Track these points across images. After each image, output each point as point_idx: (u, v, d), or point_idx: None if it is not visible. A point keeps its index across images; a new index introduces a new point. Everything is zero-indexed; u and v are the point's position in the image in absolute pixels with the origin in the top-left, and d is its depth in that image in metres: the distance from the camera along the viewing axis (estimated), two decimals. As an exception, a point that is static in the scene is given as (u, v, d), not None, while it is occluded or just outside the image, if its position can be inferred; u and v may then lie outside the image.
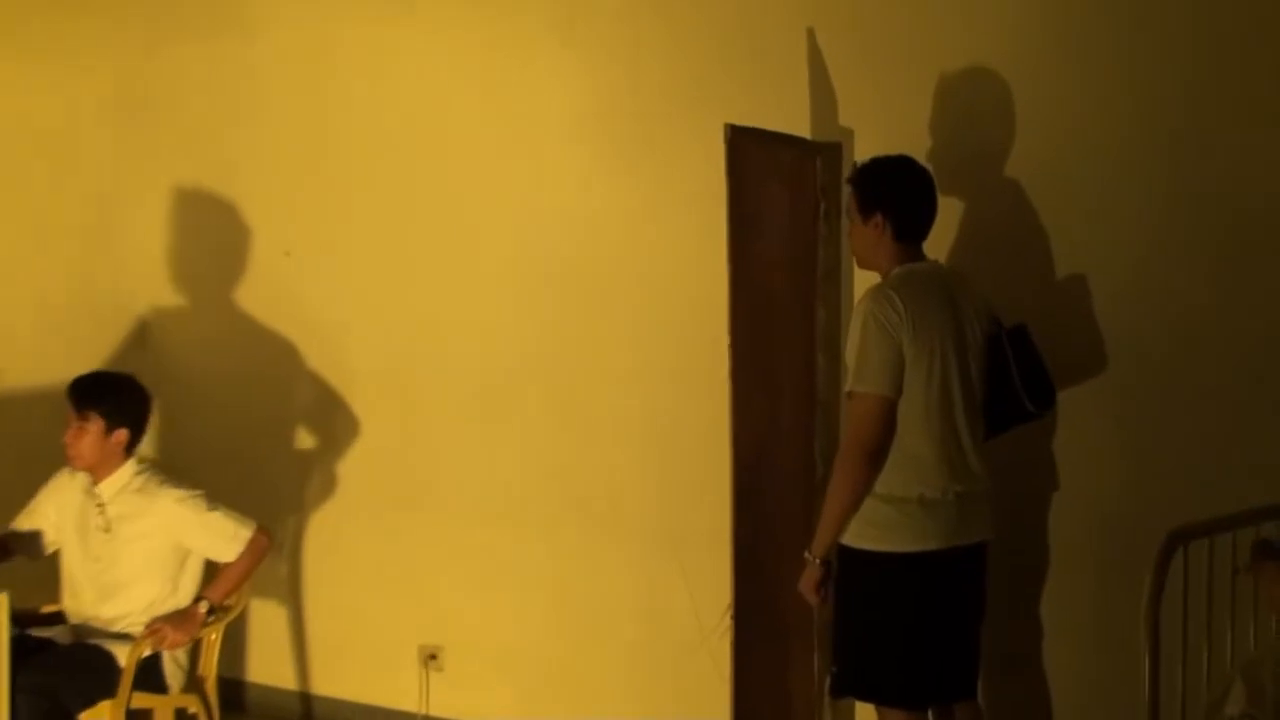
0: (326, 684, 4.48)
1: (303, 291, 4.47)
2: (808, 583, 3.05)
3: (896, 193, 3.05)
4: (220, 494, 3.84)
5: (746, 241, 3.34)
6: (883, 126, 3.53)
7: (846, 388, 3.00)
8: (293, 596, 4.55)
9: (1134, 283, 3.29)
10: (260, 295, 4.56)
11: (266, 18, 4.50)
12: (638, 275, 3.95)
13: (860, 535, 2.98)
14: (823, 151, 3.56)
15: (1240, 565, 2.85)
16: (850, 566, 3.02)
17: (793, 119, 3.61)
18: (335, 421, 4.44)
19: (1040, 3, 3.38)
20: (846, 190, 3.15)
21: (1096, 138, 3.32)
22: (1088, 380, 3.35)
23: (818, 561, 3.02)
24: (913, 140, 3.37)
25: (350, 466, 4.42)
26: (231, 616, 3.93)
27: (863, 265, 3.18)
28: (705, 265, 3.50)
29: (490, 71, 4.15)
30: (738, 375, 3.30)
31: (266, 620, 4.55)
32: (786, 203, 3.50)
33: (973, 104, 3.45)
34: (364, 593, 4.41)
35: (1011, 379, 3.08)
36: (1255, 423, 3.15)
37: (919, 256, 3.08)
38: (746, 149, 3.31)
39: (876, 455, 2.92)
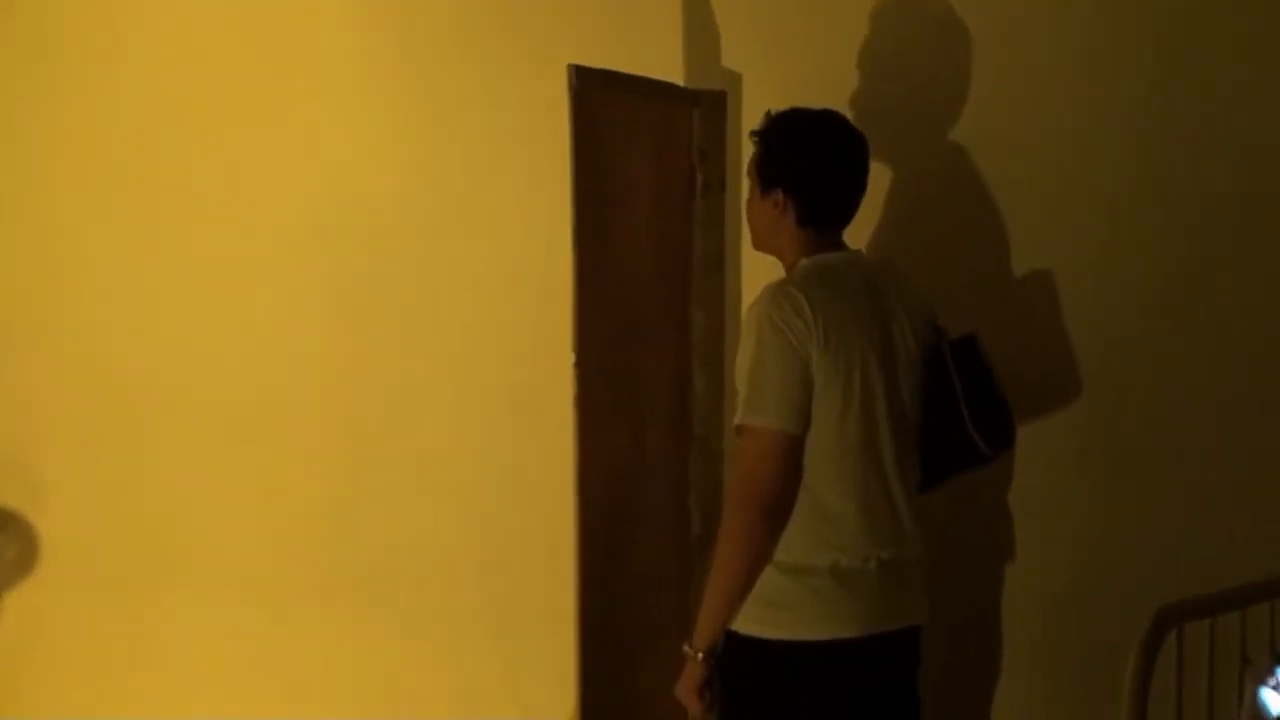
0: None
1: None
2: (687, 685, 2.51)
3: (809, 164, 2.48)
4: None
5: (601, 225, 2.66)
6: (783, 69, 2.89)
7: (735, 420, 2.43)
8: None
9: (1109, 281, 2.73)
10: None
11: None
12: (463, 273, 3.26)
13: (754, 618, 2.46)
14: (701, 102, 2.86)
15: (1251, 657, 2.42)
16: (740, 660, 2.49)
17: (663, 61, 2.94)
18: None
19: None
20: (753, 147, 2.56)
21: (1061, 110, 2.76)
22: (1055, 412, 2.77)
23: (700, 657, 2.48)
24: (827, 89, 2.72)
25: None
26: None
27: (759, 247, 2.60)
28: (553, 259, 2.81)
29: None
30: (587, 402, 2.63)
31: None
32: (653, 173, 2.81)
33: (908, 49, 2.85)
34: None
35: (958, 408, 2.52)
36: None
37: (836, 246, 2.52)
38: (599, 100, 2.62)
39: (775, 511, 2.40)
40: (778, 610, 2.43)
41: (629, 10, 3.02)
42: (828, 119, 2.51)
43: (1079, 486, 2.77)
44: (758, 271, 2.73)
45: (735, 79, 2.91)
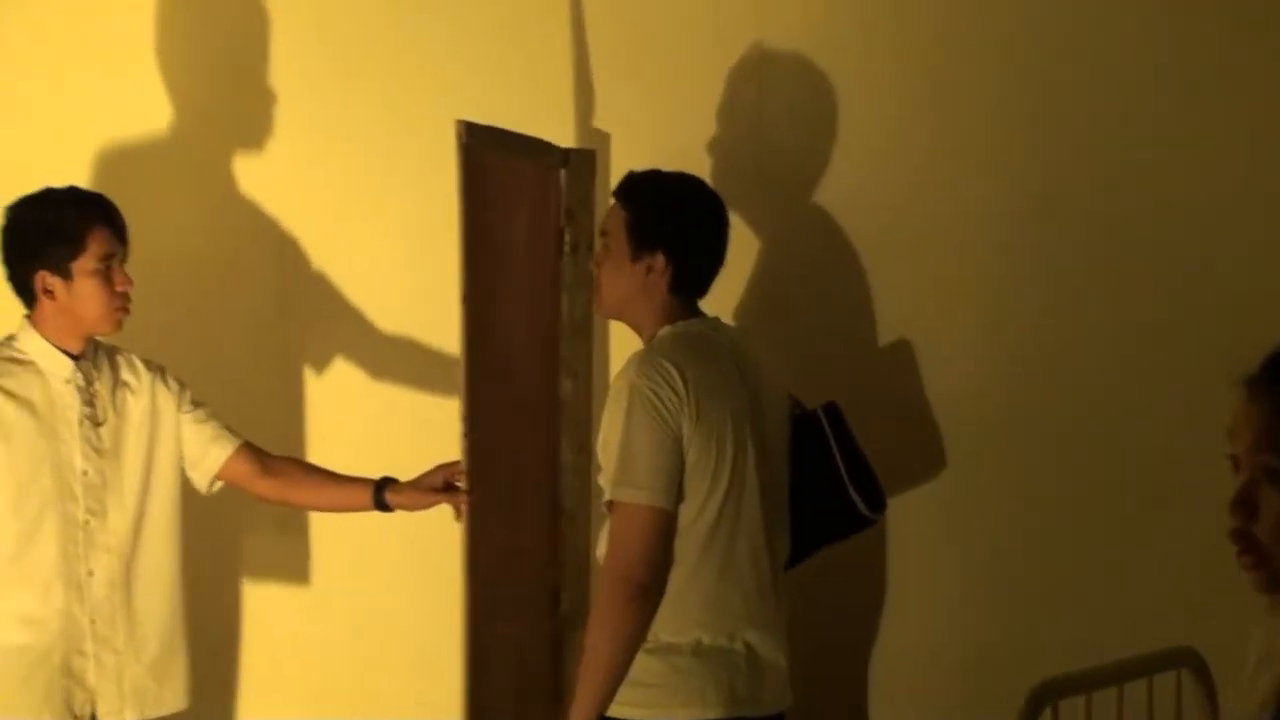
0: None
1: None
2: None
3: (692, 226, 2.39)
4: None
5: (490, 287, 2.50)
6: (652, 129, 2.83)
7: (606, 495, 2.31)
8: None
9: (978, 339, 2.70)
10: None
11: None
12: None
13: (623, 700, 2.33)
14: (571, 160, 2.73)
15: None
16: None
17: (530, 115, 2.79)
18: None
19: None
20: (614, 211, 2.43)
21: (925, 150, 2.72)
22: (917, 480, 2.73)
23: None
24: (686, 151, 2.67)
25: None
26: None
27: (609, 314, 2.52)
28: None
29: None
30: (476, 478, 2.46)
31: None
32: (527, 233, 2.67)
33: (764, 104, 2.81)
34: None
35: (838, 474, 2.48)
36: (1148, 549, 2.62)
37: (695, 313, 2.43)
38: (484, 156, 2.46)
39: (649, 589, 2.28)
40: (643, 690, 2.32)
41: (499, 64, 2.90)
42: (694, 181, 2.45)
43: (942, 554, 2.76)
44: (624, 337, 2.61)
45: (604, 138, 2.82)
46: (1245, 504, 1.33)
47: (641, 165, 2.44)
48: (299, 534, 3.23)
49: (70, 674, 2.57)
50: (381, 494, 2.63)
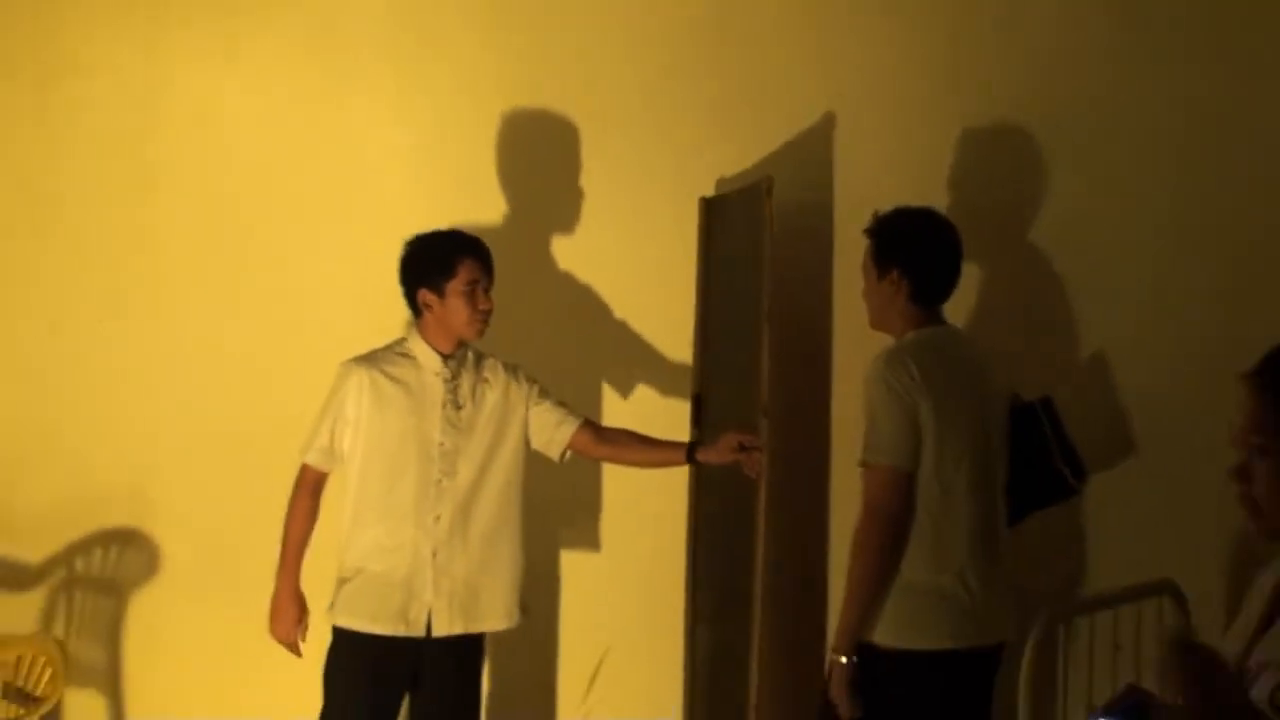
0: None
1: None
2: (839, 685, 2.75)
3: (922, 247, 2.89)
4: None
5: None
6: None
7: (859, 459, 2.82)
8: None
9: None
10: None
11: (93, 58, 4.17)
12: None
13: (883, 631, 2.76)
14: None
15: (1121, 644, 2.92)
16: (877, 667, 2.76)
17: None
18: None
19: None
20: (865, 243, 2.98)
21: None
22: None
23: (844, 661, 2.74)
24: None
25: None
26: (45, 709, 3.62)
27: (875, 325, 2.99)
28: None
29: (320, 117, 4.03)
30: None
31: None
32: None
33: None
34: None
35: (1052, 453, 2.95)
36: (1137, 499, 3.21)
37: (938, 320, 2.92)
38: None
39: (894, 532, 2.73)
40: (891, 622, 2.73)
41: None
42: (931, 214, 2.92)
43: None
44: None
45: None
46: (1243, 473, 1.51)
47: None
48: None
49: (410, 591, 3.15)
50: (693, 452, 3.26)
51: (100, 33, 4.13)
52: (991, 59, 3.46)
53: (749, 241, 3.42)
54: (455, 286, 3.15)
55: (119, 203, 4.16)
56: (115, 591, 4.15)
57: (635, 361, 3.87)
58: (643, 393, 3.88)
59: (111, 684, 4.17)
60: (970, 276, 3.22)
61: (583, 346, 3.94)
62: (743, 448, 3.16)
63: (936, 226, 2.90)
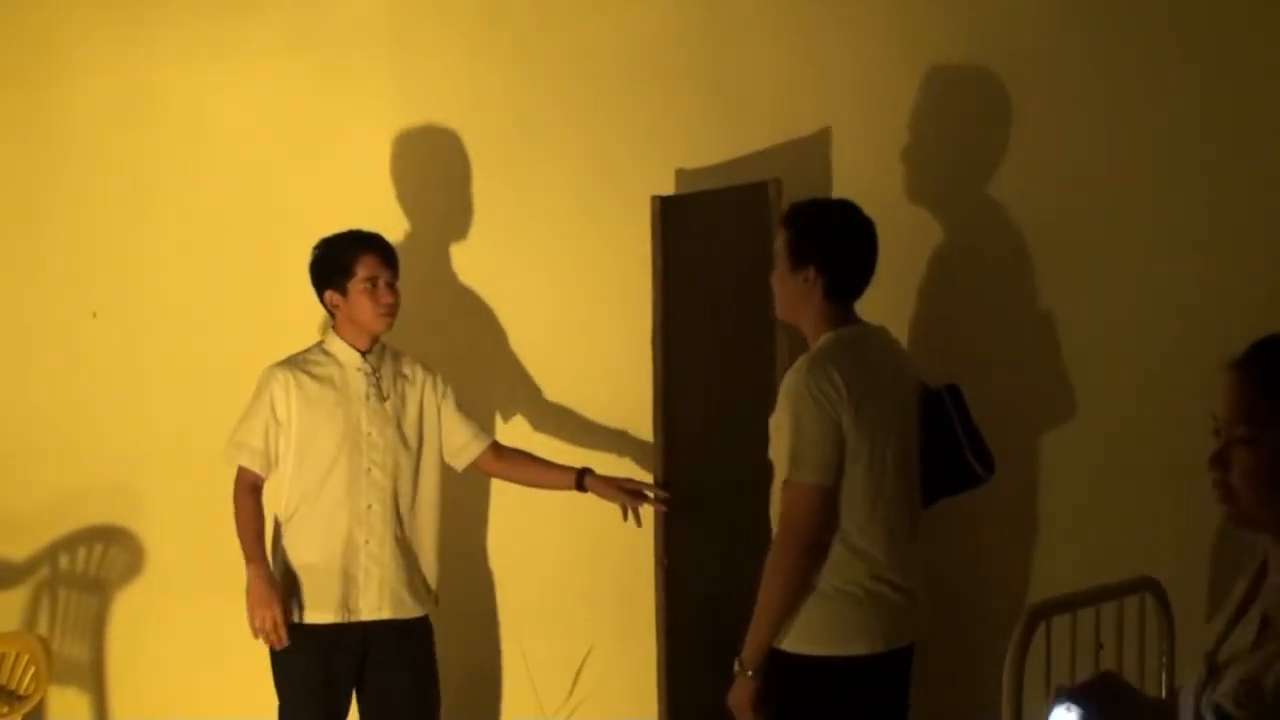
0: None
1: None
2: (739, 699, 2.70)
3: (837, 242, 2.77)
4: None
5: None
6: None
7: (782, 477, 2.69)
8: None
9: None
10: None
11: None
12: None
13: (797, 638, 2.70)
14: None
15: (1103, 642, 2.80)
16: (786, 674, 2.70)
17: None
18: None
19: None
20: (779, 232, 2.85)
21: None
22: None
23: (750, 675, 2.68)
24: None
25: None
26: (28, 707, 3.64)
27: (784, 318, 2.90)
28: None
29: (310, 119, 4.02)
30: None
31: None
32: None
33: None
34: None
35: (959, 443, 2.87)
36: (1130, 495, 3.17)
37: (852, 318, 2.81)
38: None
39: (812, 548, 2.67)
40: (817, 630, 2.66)
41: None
42: (850, 207, 2.79)
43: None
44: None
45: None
46: (1221, 460, 1.52)
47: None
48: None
49: (347, 579, 3.22)
50: (582, 479, 3.35)
51: (91, 35, 4.17)
52: (982, 55, 3.38)
53: (750, 243, 3.26)
54: (356, 284, 3.23)
55: (108, 203, 4.18)
56: (99, 589, 4.18)
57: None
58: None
59: (95, 682, 4.22)
60: (966, 276, 3.22)
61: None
62: (629, 490, 3.31)
63: (856, 222, 2.78)
